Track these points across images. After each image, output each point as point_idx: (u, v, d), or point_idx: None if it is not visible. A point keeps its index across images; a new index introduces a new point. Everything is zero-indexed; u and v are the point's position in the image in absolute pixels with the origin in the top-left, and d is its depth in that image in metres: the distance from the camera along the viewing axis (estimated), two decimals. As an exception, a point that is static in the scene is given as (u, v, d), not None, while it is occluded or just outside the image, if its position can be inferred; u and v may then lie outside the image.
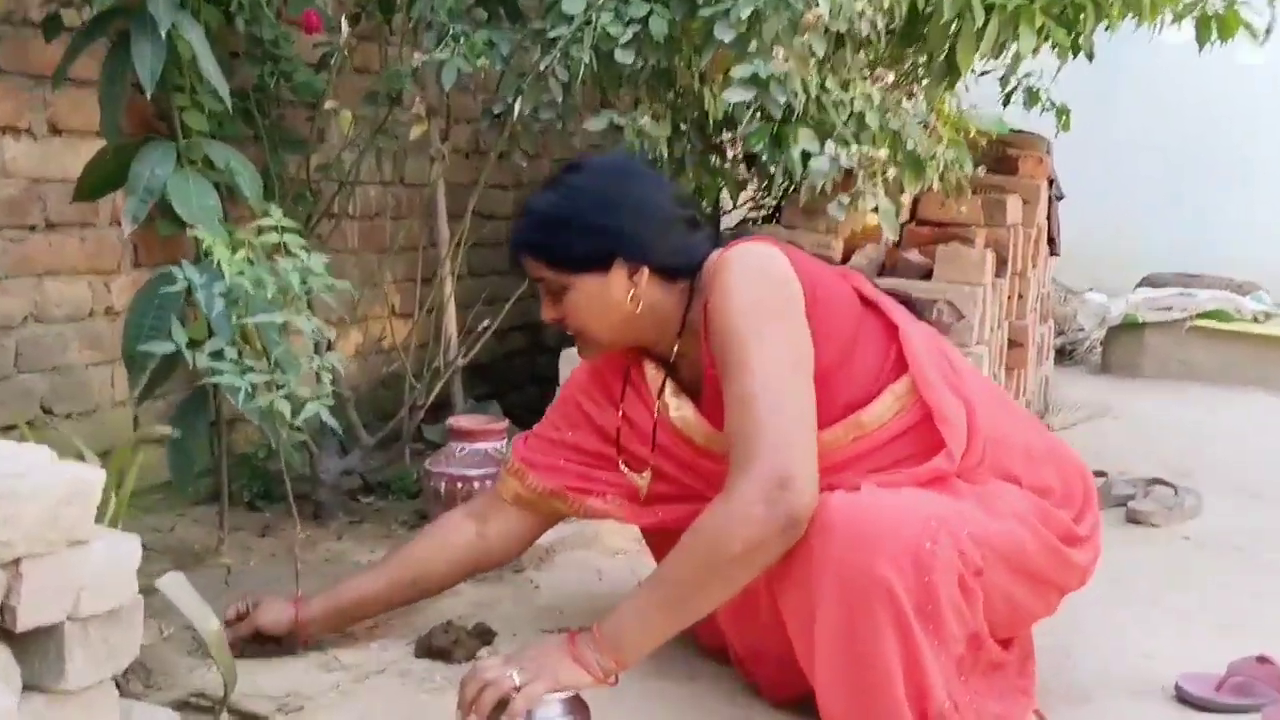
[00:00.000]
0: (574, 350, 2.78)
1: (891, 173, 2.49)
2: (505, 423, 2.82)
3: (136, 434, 2.06)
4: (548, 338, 4.26)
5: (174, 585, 1.79)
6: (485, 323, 2.98)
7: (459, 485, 2.67)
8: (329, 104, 2.81)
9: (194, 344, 2.14)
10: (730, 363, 1.70)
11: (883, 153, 2.39)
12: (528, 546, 2.18)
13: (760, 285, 1.74)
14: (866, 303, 1.87)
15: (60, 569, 1.46)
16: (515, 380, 4.34)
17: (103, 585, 1.51)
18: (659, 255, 1.82)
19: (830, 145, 2.39)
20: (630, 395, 1.99)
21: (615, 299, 1.82)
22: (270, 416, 2.06)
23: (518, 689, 1.59)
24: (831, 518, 1.63)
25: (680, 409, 1.91)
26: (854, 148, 2.38)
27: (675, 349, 1.89)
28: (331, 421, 2.11)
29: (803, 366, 1.71)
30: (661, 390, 1.93)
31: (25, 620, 1.43)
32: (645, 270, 1.82)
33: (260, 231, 2.09)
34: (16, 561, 1.42)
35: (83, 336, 2.72)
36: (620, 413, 2.00)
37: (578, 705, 1.63)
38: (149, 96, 2.27)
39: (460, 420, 2.82)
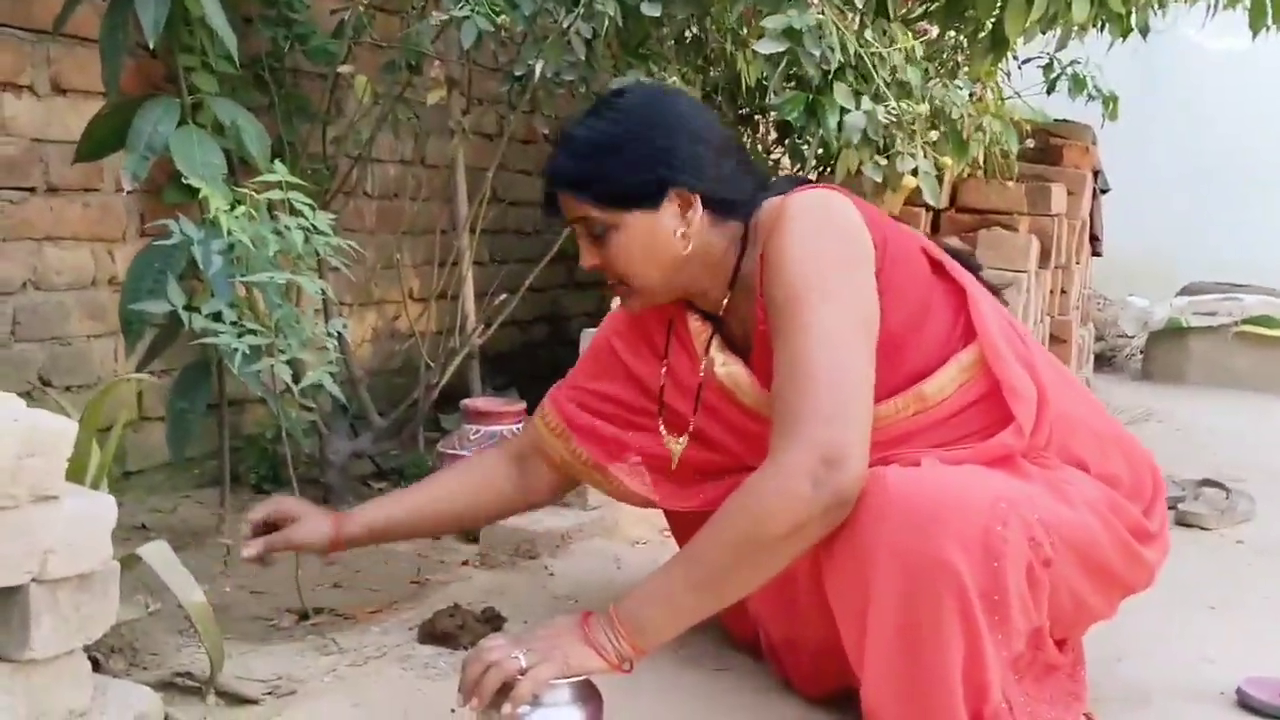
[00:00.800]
0: (592, 333, 2.69)
1: (933, 136, 2.33)
2: (521, 405, 2.70)
3: (115, 380, 1.93)
4: (570, 330, 4.15)
5: (157, 555, 1.67)
6: (503, 297, 2.84)
7: (472, 468, 2.54)
8: (344, 68, 2.70)
9: (193, 308, 2.03)
10: (785, 319, 1.52)
11: (924, 108, 2.23)
12: (562, 496, 2.06)
13: (825, 236, 1.56)
14: (934, 265, 1.70)
15: (24, 526, 1.34)
16: (536, 372, 4.21)
17: (73, 547, 1.39)
18: (714, 184, 1.64)
19: (866, 101, 2.23)
20: (675, 347, 1.80)
21: (665, 239, 1.63)
22: (270, 385, 1.94)
23: (524, 672, 1.43)
24: (888, 495, 1.45)
25: (728, 365, 1.72)
26: (892, 104, 2.22)
27: (725, 302, 1.71)
28: (334, 390, 1.99)
29: (866, 329, 1.52)
30: (708, 345, 1.76)
31: (-16, 580, 1.30)
32: (699, 204, 1.63)
33: (264, 188, 1.98)
34: (-26, 515, 1.29)
35: (84, 306, 2.61)
36: (664, 367, 1.82)
37: (588, 691, 1.48)
38: (151, 48, 2.17)
39: (475, 402, 2.70)
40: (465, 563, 2.39)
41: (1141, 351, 5.96)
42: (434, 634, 1.93)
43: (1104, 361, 6.02)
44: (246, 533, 1.84)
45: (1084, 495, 1.61)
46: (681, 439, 1.79)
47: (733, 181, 1.67)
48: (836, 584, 1.53)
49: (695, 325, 1.78)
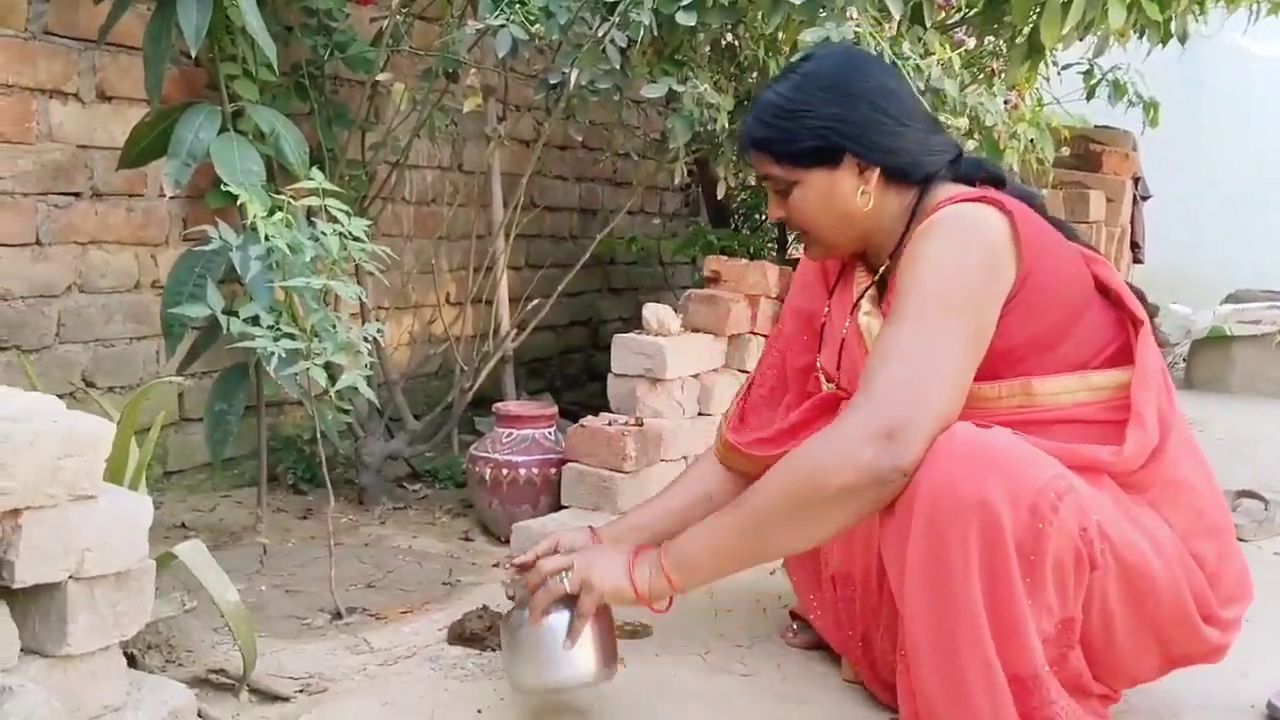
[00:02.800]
0: (626, 337, 2.71)
1: (970, 146, 2.32)
2: (553, 408, 2.71)
3: (153, 381, 1.97)
4: (604, 335, 4.17)
5: (193, 554, 1.70)
6: (536, 302, 2.86)
7: (504, 471, 2.58)
8: (382, 76, 2.73)
9: (232, 312, 2.07)
10: (899, 311, 1.56)
11: (962, 122, 2.22)
12: None
13: (961, 258, 1.58)
14: (1105, 291, 1.70)
15: (63, 524, 1.37)
16: (572, 377, 4.25)
17: (110, 545, 1.42)
18: (892, 155, 1.69)
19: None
20: (840, 291, 1.87)
21: (844, 196, 1.70)
22: (306, 388, 1.97)
23: (570, 595, 1.57)
24: (954, 439, 1.47)
25: (870, 314, 1.78)
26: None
27: (886, 264, 1.76)
28: (369, 393, 2.01)
29: (972, 342, 1.55)
30: (860, 299, 1.81)
31: (24, 575, 1.34)
32: (876, 169, 1.69)
33: (302, 195, 2.01)
34: (15, 513, 1.33)
35: (127, 309, 2.66)
36: (827, 306, 1.88)
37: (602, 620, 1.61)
38: (194, 56, 2.21)
39: (508, 405, 2.72)
40: (496, 564, 2.42)
41: (1184, 360, 5.87)
42: (463, 635, 1.95)
43: (1145, 370, 5.94)
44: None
45: (1156, 535, 1.57)
46: (830, 385, 1.85)
47: (911, 150, 1.70)
48: (888, 525, 1.54)
49: (859, 276, 1.83)
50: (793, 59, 1.82)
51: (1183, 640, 1.63)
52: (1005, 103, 2.61)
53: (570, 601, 1.59)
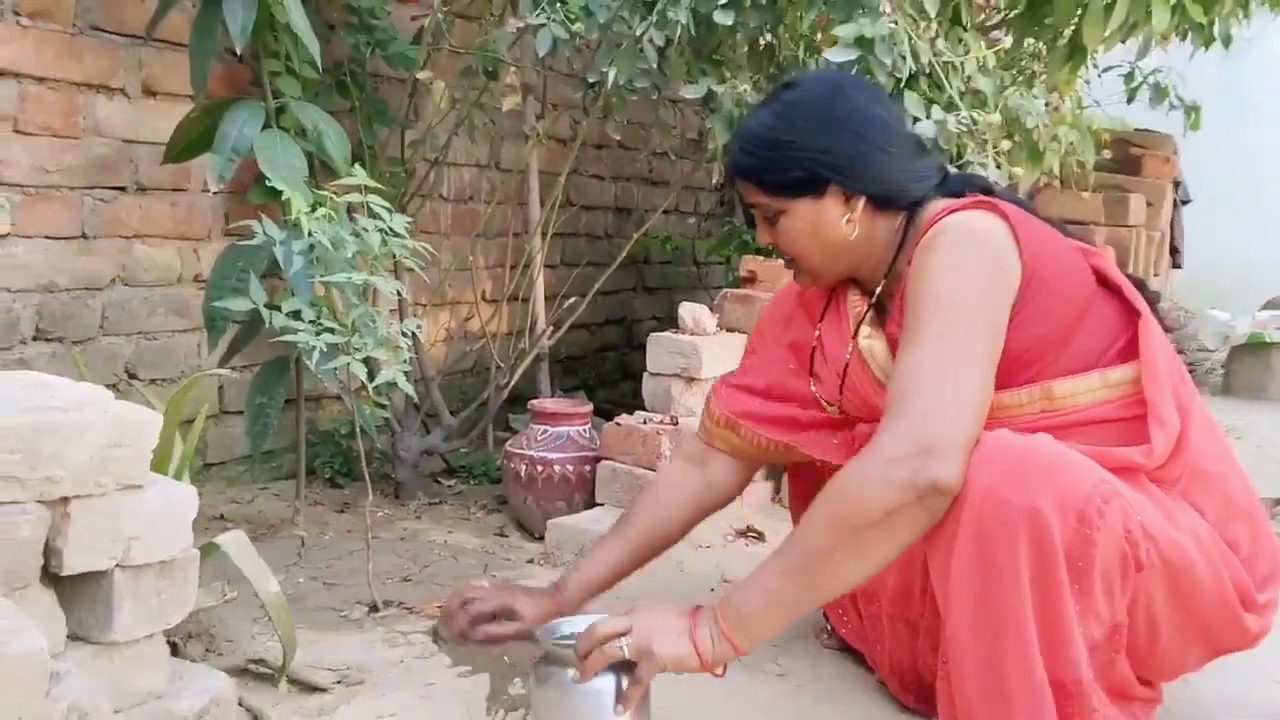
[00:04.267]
0: (661, 336, 2.72)
1: (1005, 145, 2.31)
2: (588, 406, 2.72)
3: (197, 374, 1.99)
4: (639, 333, 4.17)
5: (235, 544, 1.71)
6: (573, 300, 2.87)
7: (539, 468, 2.59)
8: (422, 74, 2.75)
9: (274, 307, 2.09)
10: (913, 326, 1.55)
11: (995, 118, 2.20)
12: (747, 484, 2.05)
13: (968, 264, 1.57)
14: (1106, 284, 1.69)
15: (111, 513, 1.39)
16: (606, 376, 4.26)
17: (156, 535, 1.44)
18: (876, 184, 1.68)
19: (936, 110, 2.22)
20: (830, 316, 1.86)
21: (830, 225, 1.70)
22: (345, 382, 1.99)
23: (628, 662, 1.49)
24: (998, 445, 1.46)
25: (871, 337, 1.77)
26: (964, 113, 2.20)
27: (881, 287, 1.77)
28: (407, 388, 2.03)
29: (988, 349, 1.53)
30: (860, 323, 1.80)
31: (72, 563, 1.36)
32: (862, 198, 1.69)
33: (344, 191, 2.03)
34: (65, 501, 1.35)
35: (169, 302, 2.70)
36: (817, 332, 1.87)
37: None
38: (239, 53, 2.23)
39: (543, 403, 2.73)
40: (531, 561, 2.43)
41: (1223, 366, 5.81)
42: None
43: (1183, 375, 5.88)
44: (461, 623, 1.79)
45: (1194, 529, 1.57)
46: (832, 408, 1.84)
47: (897, 178, 1.70)
48: (934, 540, 1.51)
49: (854, 299, 1.82)
50: (776, 84, 1.80)
51: (1226, 632, 1.62)
52: (1046, 105, 2.59)
53: (620, 665, 1.51)
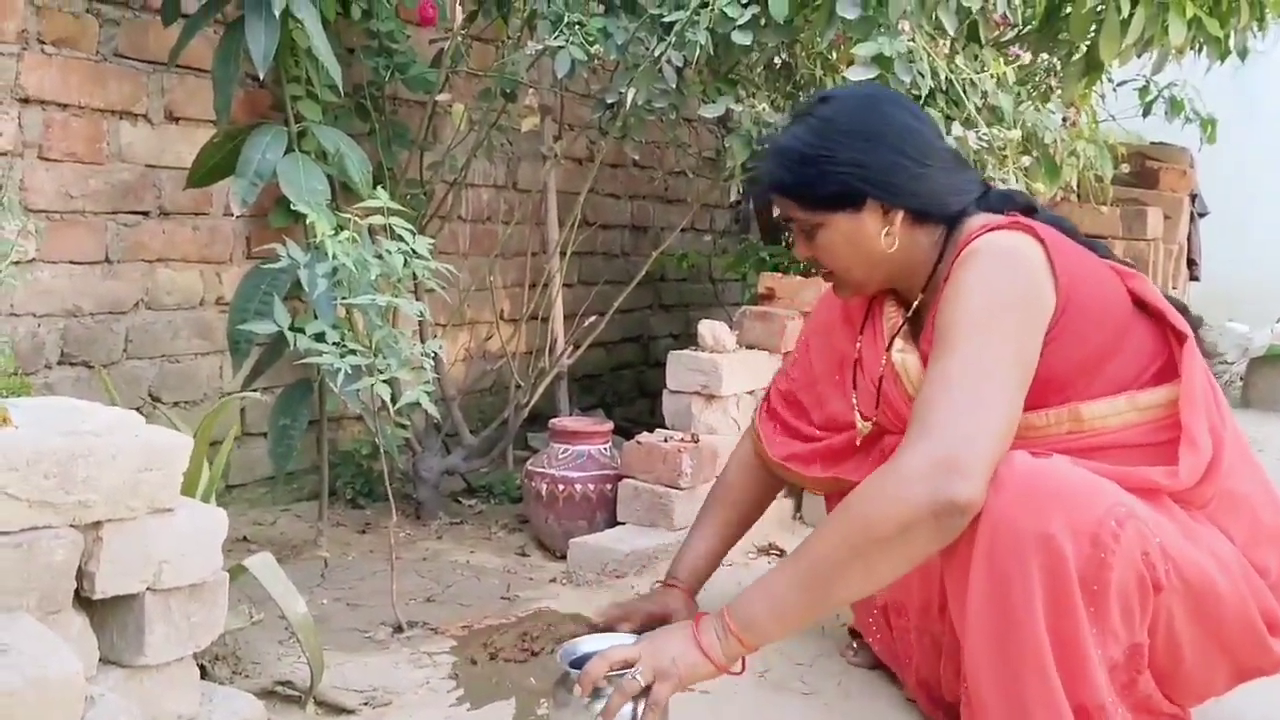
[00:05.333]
0: (681, 354, 2.72)
1: (1025, 161, 2.31)
2: (608, 424, 2.73)
3: (224, 397, 2.00)
4: (658, 351, 4.18)
5: (263, 567, 1.72)
6: (591, 319, 2.88)
7: (560, 487, 2.59)
8: (441, 96, 2.77)
9: (298, 329, 2.10)
10: (943, 345, 1.56)
11: (1015, 134, 2.21)
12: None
13: (1002, 285, 1.57)
14: (1143, 306, 1.69)
15: (142, 537, 1.40)
16: (624, 394, 4.26)
17: (186, 558, 1.45)
18: (915, 197, 1.69)
19: (956, 127, 2.23)
20: (869, 328, 1.87)
21: (869, 238, 1.71)
22: (369, 403, 2.00)
23: (645, 689, 1.49)
24: (1012, 470, 1.46)
25: (904, 351, 1.77)
26: (983, 129, 2.21)
27: (919, 300, 1.77)
28: (431, 408, 2.04)
29: (1018, 372, 1.54)
30: (895, 334, 1.80)
31: (104, 587, 1.37)
32: (900, 211, 1.69)
33: (366, 214, 2.04)
34: (97, 525, 1.36)
35: (192, 325, 2.71)
36: (858, 345, 1.88)
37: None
38: (260, 78, 2.25)
39: (563, 421, 2.73)
40: (553, 580, 2.43)
41: (1241, 378, 5.78)
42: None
43: (1201, 388, 5.85)
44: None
45: (1217, 550, 1.56)
46: (867, 424, 1.84)
47: (935, 192, 1.70)
48: (951, 559, 1.52)
49: (889, 311, 1.83)
50: (811, 99, 1.81)
51: (1251, 654, 1.61)
52: (1062, 120, 2.59)
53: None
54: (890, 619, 1.88)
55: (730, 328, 2.84)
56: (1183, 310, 1.71)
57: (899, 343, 1.78)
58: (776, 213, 1.81)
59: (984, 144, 2.20)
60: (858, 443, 1.86)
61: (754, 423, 2.07)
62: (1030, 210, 1.74)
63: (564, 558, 2.52)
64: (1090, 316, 1.61)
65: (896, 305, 1.82)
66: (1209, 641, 1.57)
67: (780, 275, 3.05)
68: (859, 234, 1.71)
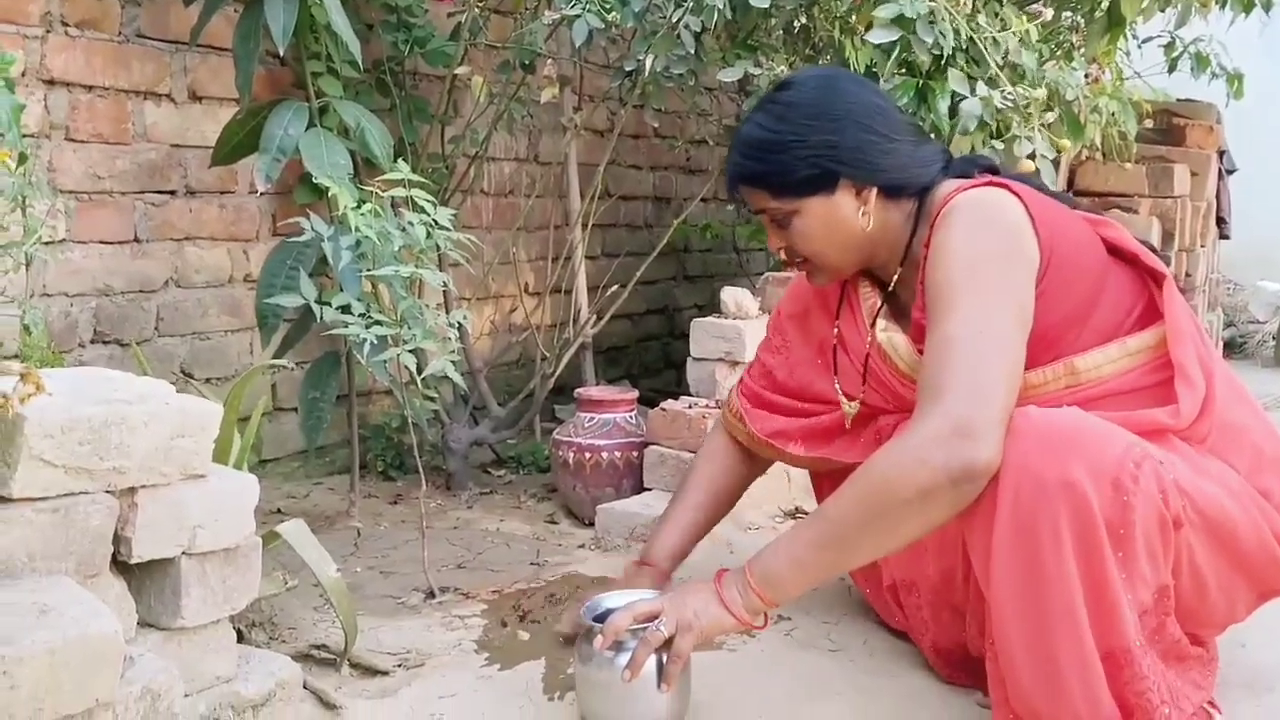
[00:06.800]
0: (705, 321, 2.73)
1: (1050, 117, 2.30)
2: (633, 394, 2.75)
3: (255, 366, 2.03)
4: (681, 322, 4.19)
5: (295, 532, 1.76)
6: (614, 288, 2.90)
7: (587, 455, 2.61)
8: (461, 70, 2.78)
9: (324, 302, 2.13)
10: (938, 305, 1.56)
11: (1040, 92, 2.20)
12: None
13: (988, 233, 1.59)
14: (1116, 253, 1.70)
15: (176, 502, 1.43)
16: (650, 365, 4.28)
17: (219, 522, 1.48)
18: (886, 173, 1.69)
19: (981, 86, 2.22)
20: (845, 311, 1.87)
21: (845, 219, 1.70)
22: (396, 375, 2.02)
23: (669, 641, 1.54)
24: (1028, 420, 1.47)
25: (889, 330, 1.78)
26: (1007, 89, 2.20)
27: (897, 276, 1.77)
28: (457, 377, 2.06)
29: (1017, 321, 1.55)
30: (875, 315, 1.81)
31: (140, 551, 1.40)
32: (874, 189, 1.70)
33: (388, 187, 2.07)
34: (132, 491, 1.39)
35: (221, 302, 2.75)
36: (836, 329, 1.89)
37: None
38: (281, 55, 2.27)
39: (589, 390, 2.76)
40: (581, 546, 2.46)
41: (1274, 338, 5.73)
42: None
43: (1234, 348, 5.81)
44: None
45: (1225, 480, 1.58)
46: (853, 403, 1.84)
47: (905, 166, 1.71)
48: (973, 519, 1.52)
49: (865, 291, 1.83)
50: (769, 87, 1.80)
51: (1271, 576, 1.63)
52: (1085, 76, 2.58)
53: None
54: (900, 597, 1.89)
55: (754, 295, 2.84)
56: (1154, 251, 1.72)
57: (881, 322, 1.79)
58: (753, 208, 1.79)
59: (1008, 103, 2.19)
60: (847, 425, 1.88)
61: (725, 411, 2.06)
62: (994, 171, 1.75)
63: (592, 524, 2.55)
64: (1073, 268, 1.62)
65: (871, 285, 1.83)
66: (1231, 570, 1.58)
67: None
68: (834, 216, 1.70)
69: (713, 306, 2.83)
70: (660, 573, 1.93)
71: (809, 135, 1.67)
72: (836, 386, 1.88)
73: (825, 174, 1.68)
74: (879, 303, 1.80)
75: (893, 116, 1.73)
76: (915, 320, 1.70)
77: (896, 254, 1.76)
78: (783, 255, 1.79)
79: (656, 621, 1.54)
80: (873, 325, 1.80)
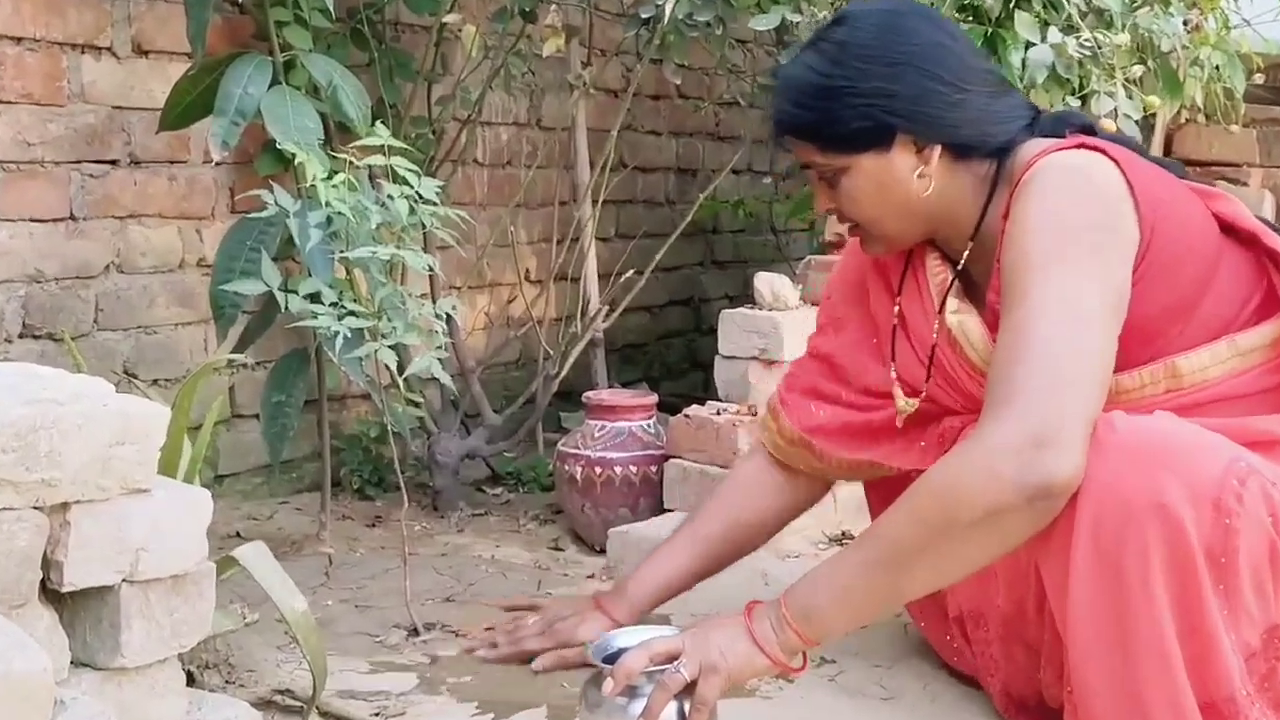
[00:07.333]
0: (735, 313, 2.73)
1: (1137, 72, 2.28)
2: (652, 397, 2.75)
3: (208, 363, 2.04)
4: (709, 314, 4.18)
5: (256, 559, 1.76)
6: (629, 274, 2.90)
7: (597, 470, 2.62)
8: (450, 18, 2.79)
9: (290, 290, 2.14)
10: (1015, 287, 1.54)
11: (1123, 37, 2.18)
12: (833, 483, 2.10)
13: (1078, 205, 1.57)
14: (1231, 231, 1.68)
15: (116, 521, 1.44)
16: (672, 365, 4.29)
17: (166, 545, 1.48)
18: (953, 129, 1.68)
19: (1054, 32, 2.20)
20: (909, 287, 1.85)
21: (900, 180, 1.69)
22: (373, 375, 2.03)
23: (690, 685, 1.52)
24: (1113, 432, 1.46)
25: (960, 312, 1.75)
26: (1085, 35, 2.18)
27: (968, 250, 1.76)
28: (445, 378, 2.07)
29: (1111, 310, 1.53)
30: (946, 295, 1.78)
31: (74, 578, 1.41)
32: (936, 147, 1.68)
33: (365, 154, 2.07)
34: (64, 507, 1.40)
35: (171, 290, 2.77)
36: (896, 308, 1.87)
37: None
38: (239, 1, 2.28)
39: (600, 394, 2.76)
40: (591, 576, 2.46)
41: None
42: None
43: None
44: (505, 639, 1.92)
45: None
46: (912, 401, 1.82)
47: (977, 121, 1.69)
48: (1048, 545, 1.52)
49: (934, 266, 1.81)
50: (825, 23, 1.78)
51: None
52: (1185, 24, 2.57)
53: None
54: (968, 631, 1.88)
55: (793, 282, 2.84)
56: (1275, 230, 1.70)
57: (952, 302, 1.77)
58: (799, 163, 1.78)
59: (1086, 52, 2.18)
60: (899, 423, 1.86)
61: (763, 418, 2.03)
62: (1090, 131, 1.73)
63: (603, 551, 2.55)
64: (1179, 247, 1.60)
65: (941, 260, 1.80)
66: None
67: (852, 219, 3.04)
68: (888, 177, 1.69)
69: (745, 296, 2.83)
70: (623, 612, 1.89)
71: (862, 81, 1.66)
72: (893, 375, 1.86)
73: (879, 127, 1.67)
74: (950, 279, 1.79)
75: (966, 61, 1.71)
76: (990, 304, 1.69)
77: (967, 225, 1.74)
78: (836, 221, 1.79)
79: (676, 662, 1.53)
80: (941, 306, 1.78)
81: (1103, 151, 1.62)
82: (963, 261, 1.76)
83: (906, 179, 1.69)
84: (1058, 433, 1.44)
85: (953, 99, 1.67)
